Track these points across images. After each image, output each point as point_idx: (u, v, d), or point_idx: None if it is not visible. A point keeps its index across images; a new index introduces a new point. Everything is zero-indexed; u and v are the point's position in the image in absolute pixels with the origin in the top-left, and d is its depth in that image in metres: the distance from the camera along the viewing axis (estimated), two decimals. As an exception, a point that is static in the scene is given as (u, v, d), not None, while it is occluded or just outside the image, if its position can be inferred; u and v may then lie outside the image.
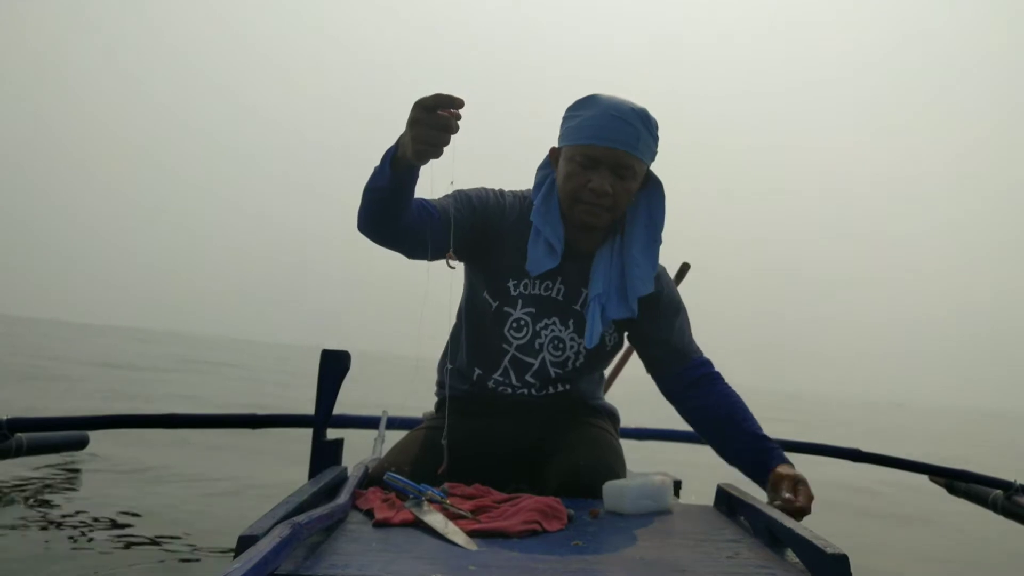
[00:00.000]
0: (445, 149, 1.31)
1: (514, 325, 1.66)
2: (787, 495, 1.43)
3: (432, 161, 1.34)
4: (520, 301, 1.66)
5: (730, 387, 1.68)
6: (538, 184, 1.68)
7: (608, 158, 1.54)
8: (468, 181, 1.69)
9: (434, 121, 1.28)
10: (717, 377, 1.69)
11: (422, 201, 1.52)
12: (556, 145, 1.64)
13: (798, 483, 1.46)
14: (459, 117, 1.29)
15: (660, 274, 1.71)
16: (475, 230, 1.62)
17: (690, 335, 1.74)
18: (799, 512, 1.39)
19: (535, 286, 1.66)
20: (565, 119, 1.62)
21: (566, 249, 1.65)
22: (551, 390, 1.72)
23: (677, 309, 1.73)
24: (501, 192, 1.71)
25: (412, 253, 1.54)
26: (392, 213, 1.44)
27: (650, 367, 1.74)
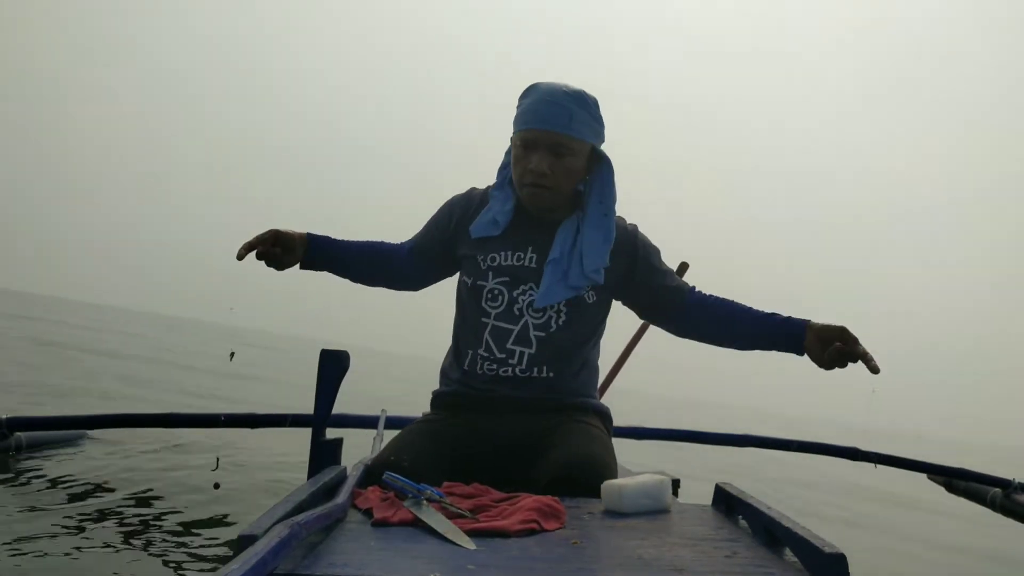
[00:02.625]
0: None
1: (489, 296, 1.74)
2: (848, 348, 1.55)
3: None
4: (491, 273, 1.76)
5: (719, 297, 1.81)
6: (502, 168, 1.85)
7: (543, 139, 1.69)
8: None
9: (262, 257, 1.72)
10: (709, 295, 1.81)
11: (397, 247, 1.90)
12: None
13: (844, 334, 1.58)
14: (272, 242, 1.71)
15: (633, 231, 1.83)
16: (448, 239, 1.86)
17: (676, 275, 1.86)
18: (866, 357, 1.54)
19: (507, 258, 1.76)
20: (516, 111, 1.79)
21: (536, 220, 1.78)
22: (535, 372, 1.71)
23: (658, 256, 1.85)
24: (469, 191, 1.90)
25: (404, 287, 1.96)
26: (354, 279, 1.90)
27: (656, 315, 1.87)
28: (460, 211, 1.85)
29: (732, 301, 1.79)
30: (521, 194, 1.75)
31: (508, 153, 1.83)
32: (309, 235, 1.80)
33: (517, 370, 1.71)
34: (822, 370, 1.62)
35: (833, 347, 1.56)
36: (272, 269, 1.74)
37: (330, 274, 1.88)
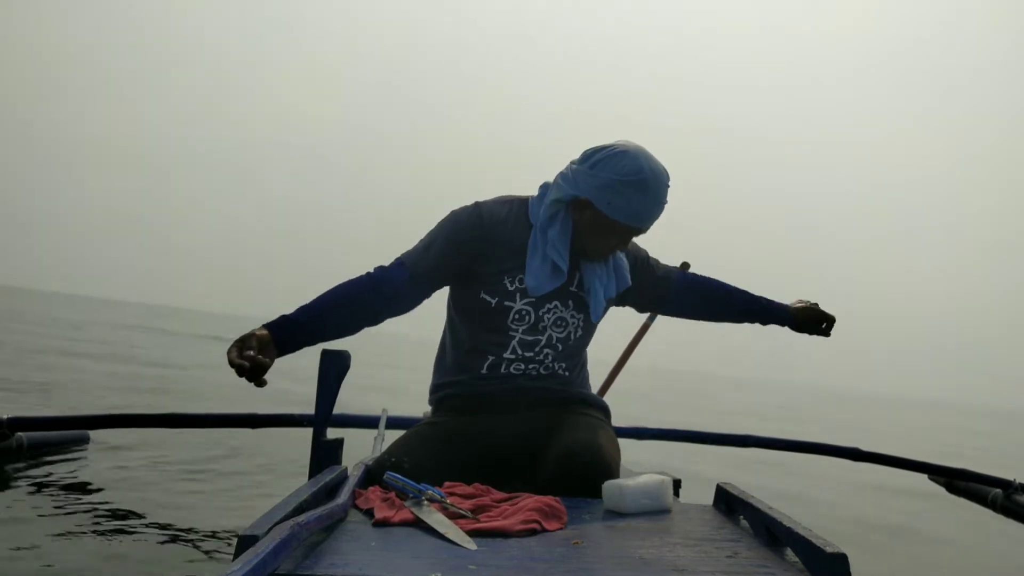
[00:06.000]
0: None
1: (516, 316, 1.75)
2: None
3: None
4: (518, 295, 1.74)
5: (707, 277, 2.07)
6: (550, 216, 1.74)
7: (641, 232, 1.75)
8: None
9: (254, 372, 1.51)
10: (696, 277, 2.06)
11: (381, 280, 1.70)
12: (580, 195, 1.68)
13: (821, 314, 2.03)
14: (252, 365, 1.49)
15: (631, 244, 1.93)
16: (463, 262, 1.75)
17: (661, 264, 2.03)
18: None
19: None
20: (607, 185, 1.65)
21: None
22: (556, 369, 1.80)
23: (646, 255, 1.99)
24: (476, 206, 1.78)
25: (394, 315, 1.77)
26: (332, 339, 1.69)
27: (652, 306, 2.09)
28: (478, 232, 1.75)
29: (719, 282, 2.04)
30: (593, 257, 1.77)
31: (558, 201, 1.73)
32: (270, 328, 1.58)
33: (542, 368, 1.79)
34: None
35: (816, 326, 2.03)
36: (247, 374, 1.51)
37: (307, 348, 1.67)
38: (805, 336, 2.05)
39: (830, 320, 2.03)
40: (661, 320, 3.18)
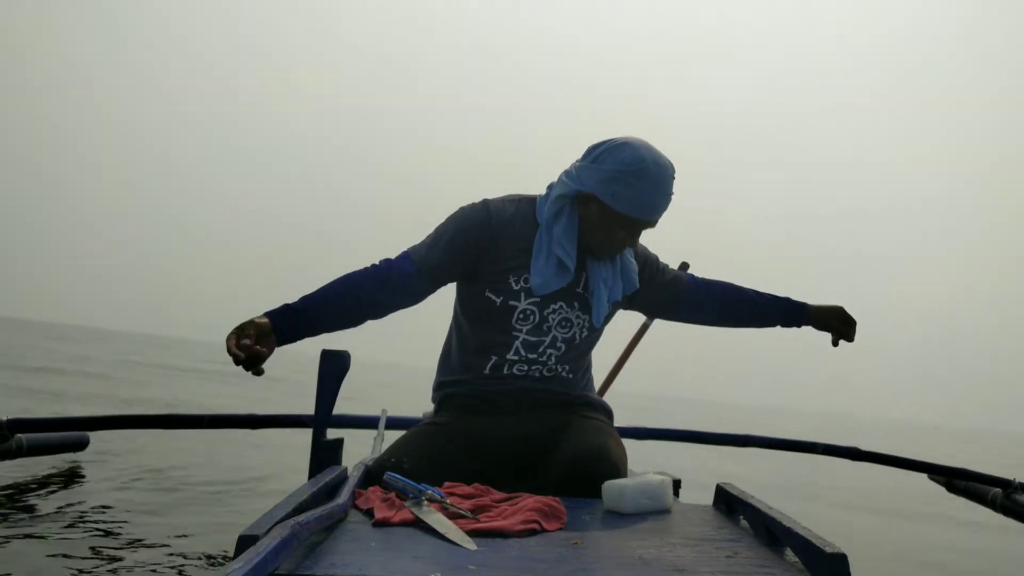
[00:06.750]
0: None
1: (521, 316, 1.74)
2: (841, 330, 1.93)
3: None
4: (523, 294, 1.73)
5: (717, 280, 2.00)
6: (555, 213, 1.74)
7: (649, 225, 1.74)
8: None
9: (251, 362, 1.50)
10: (705, 280, 1.99)
11: (387, 272, 1.68)
12: (584, 189, 1.68)
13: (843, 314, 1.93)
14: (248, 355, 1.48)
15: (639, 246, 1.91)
16: (468, 259, 1.73)
17: (671, 268, 2.00)
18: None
19: None
20: (610, 177, 1.65)
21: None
22: (560, 371, 1.78)
23: (656, 258, 1.96)
24: (484, 204, 1.77)
25: (397, 309, 1.75)
26: (335, 329, 1.68)
27: (662, 311, 2.03)
28: (486, 230, 1.74)
29: (730, 284, 1.98)
30: (600, 254, 1.75)
31: (563, 198, 1.72)
32: (270, 316, 1.56)
33: (545, 369, 1.77)
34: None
35: (836, 330, 1.93)
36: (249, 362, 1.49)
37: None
38: (801, 359, 1.97)
39: (852, 322, 1.92)
40: (650, 343, 3.17)
